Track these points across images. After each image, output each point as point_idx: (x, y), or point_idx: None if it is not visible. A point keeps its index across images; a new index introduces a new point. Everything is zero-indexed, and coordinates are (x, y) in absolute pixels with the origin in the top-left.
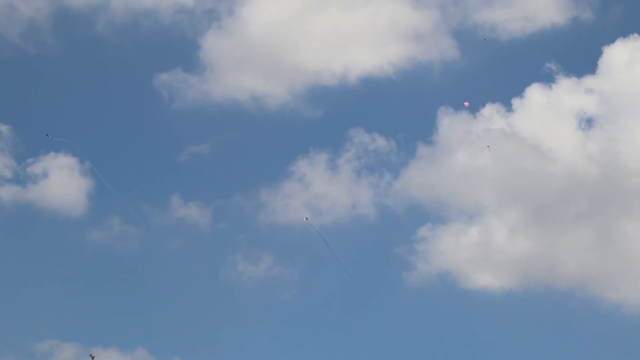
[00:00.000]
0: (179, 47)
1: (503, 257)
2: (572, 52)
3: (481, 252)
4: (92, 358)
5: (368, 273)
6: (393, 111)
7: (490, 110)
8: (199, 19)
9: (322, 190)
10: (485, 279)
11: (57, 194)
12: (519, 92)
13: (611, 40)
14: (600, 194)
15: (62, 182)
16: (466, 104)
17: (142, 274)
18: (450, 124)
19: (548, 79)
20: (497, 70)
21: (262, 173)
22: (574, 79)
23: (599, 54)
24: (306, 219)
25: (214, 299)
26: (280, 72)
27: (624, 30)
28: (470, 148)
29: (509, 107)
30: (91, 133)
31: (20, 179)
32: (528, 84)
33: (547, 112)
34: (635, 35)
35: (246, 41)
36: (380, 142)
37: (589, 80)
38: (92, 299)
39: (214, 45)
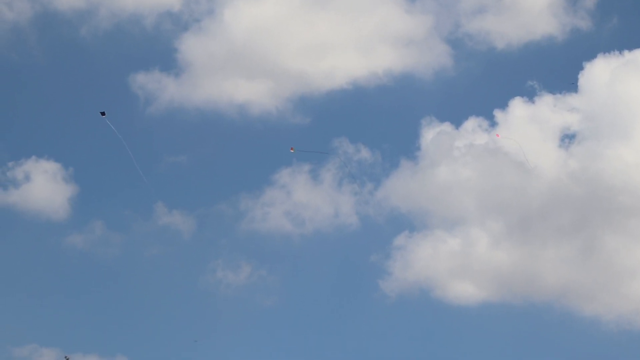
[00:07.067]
0: (160, 51)
1: (483, 268)
2: (555, 67)
3: (461, 261)
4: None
5: (349, 281)
6: (379, 120)
7: (472, 124)
8: (184, 23)
9: (304, 199)
10: (464, 289)
11: (39, 198)
12: (503, 105)
13: (593, 55)
14: (582, 209)
15: (44, 187)
16: (497, 135)
17: (123, 280)
18: (435, 137)
19: (530, 94)
20: (486, 81)
21: (244, 181)
22: (557, 95)
23: (580, 68)
24: (292, 149)
25: (194, 306)
26: (264, 77)
27: (605, 46)
28: (454, 162)
29: (492, 121)
30: (73, 137)
31: (1, 182)
32: (512, 97)
33: (529, 127)
34: (616, 52)
35: (229, 45)
36: (365, 153)
37: (571, 96)
38: (72, 304)
39: (196, 48)
